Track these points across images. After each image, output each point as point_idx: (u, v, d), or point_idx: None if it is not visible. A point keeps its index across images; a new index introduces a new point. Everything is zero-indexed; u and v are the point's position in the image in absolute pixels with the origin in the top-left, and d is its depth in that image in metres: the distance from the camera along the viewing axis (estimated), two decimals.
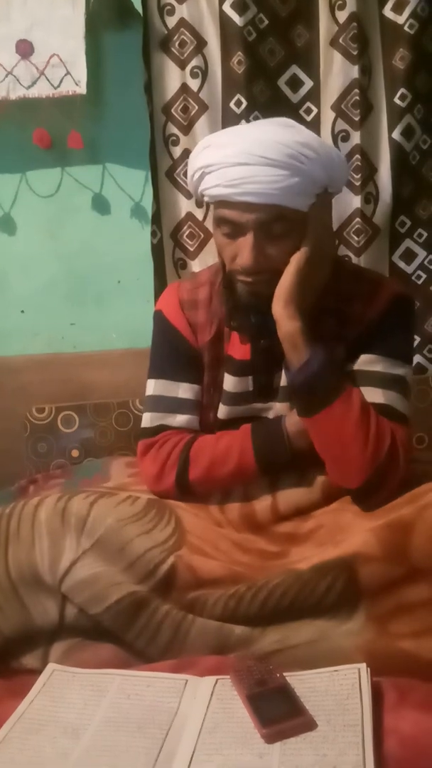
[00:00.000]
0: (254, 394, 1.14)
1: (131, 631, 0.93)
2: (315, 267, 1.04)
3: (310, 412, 1.03)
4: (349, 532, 0.99)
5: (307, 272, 1.03)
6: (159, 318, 1.20)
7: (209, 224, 1.57)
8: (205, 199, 1.08)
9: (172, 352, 1.18)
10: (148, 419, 1.17)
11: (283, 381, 1.12)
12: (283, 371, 1.11)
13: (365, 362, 1.09)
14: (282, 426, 1.09)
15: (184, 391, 1.16)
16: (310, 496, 1.09)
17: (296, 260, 1.03)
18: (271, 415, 1.14)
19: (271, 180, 0.97)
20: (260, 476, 1.10)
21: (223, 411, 1.16)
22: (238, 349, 1.14)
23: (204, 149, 1.04)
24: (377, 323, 1.09)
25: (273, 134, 1.00)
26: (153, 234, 1.60)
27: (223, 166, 0.99)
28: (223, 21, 1.51)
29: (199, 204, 1.57)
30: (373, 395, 1.05)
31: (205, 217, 1.59)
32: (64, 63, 1.52)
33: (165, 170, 1.59)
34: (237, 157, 0.98)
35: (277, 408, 1.14)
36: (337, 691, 0.80)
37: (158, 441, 1.14)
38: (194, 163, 1.05)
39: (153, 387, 1.18)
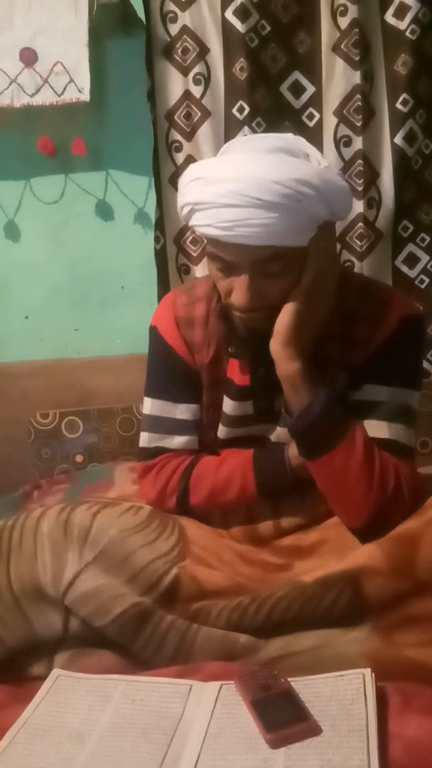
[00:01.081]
0: (255, 417, 1.10)
1: (137, 642, 0.92)
2: (316, 303, 0.97)
3: (311, 456, 0.99)
4: (354, 546, 0.97)
5: (308, 310, 0.97)
6: (154, 335, 1.14)
7: None
8: (197, 232, 1.01)
9: (168, 372, 1.13)
10: (145, 440, 1.14)
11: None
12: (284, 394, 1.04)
13: (371, 393, 1.02)
14: (285, 456, 1.05)
15: (182, 412, 1.12)
16: (314, 512, 1.07)
17: (296, 298, 0.96)
18: (271, 436, 1.11)
19: (266, 223, 0.89)
20: (261, 502, 1.08)
21: (223, 431, 1.12)
22: (237, 373, 1.09)
23: (193, 181, 0.95)
24: (385, 348, 1.02)
25: (268, 171, 0.90)
26: (156, 240, 1.61)
27: (214, 206, 0.91)
28: (226, 28, 1.52)
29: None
30: (378, 430, 1.00)
31: None
32: (67, 70, 1.53)
33: (168, 176, 1.59)
34: (229, 198, 0.89)
35: (278, 432, 1.09)
36: (341, 696, 0.80)
37: (157, 465, 1.11)
38: (183, 197, 0.97)
39: (150, 407, 1.14)
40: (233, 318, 1.02)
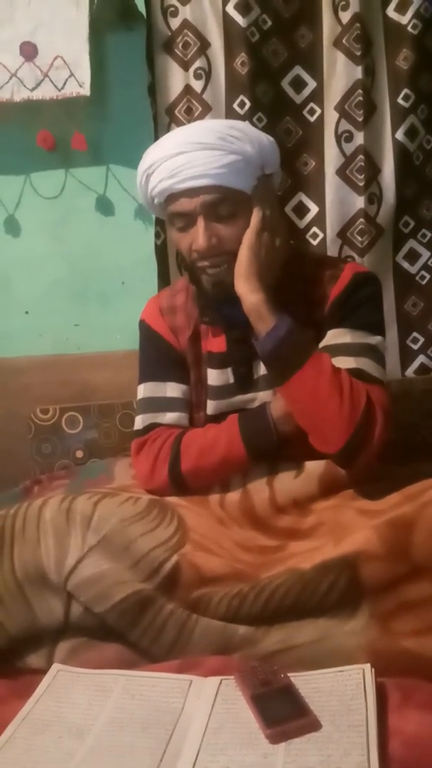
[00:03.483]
0: (236, 385, 1.18)
1: (136, 629, 0.93)
2: (267, 242, 1.10)
3: (282, 378, 1.05)
4: (351, 530, 0.99)
5: (260, 247, 1.09)
6: (143, 327, 1.27)
7: None
8: (156, 201, 1.14)
9: (157, 356, 1.24)
10: (140, 421, 1.22)
11: (262, 370, 1.16)
12: (261, 362, 1.14)
13: (334, 336, 1.12)
14: (266, 411, 1.12)
15: (172, 390, 1.22)
16: (308, 488, 1.10)
17: (247, 237, 1.09)
18: (255, 405, 1.17)
19: (208, 161, 1.05)
20: (250, 462, 1.12)
21: (211, 406, 1.20)
22: (214, 343, 1.20)
23: (146, 155, 1.12)
24: (342, 300, 1.13)
25: (203, 123, 1.13)
26: (157, 235, 1.61)
27: (164, 159, 1.07)
28: (227, 22, 1.51)
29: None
30: (344, 363, 1.07)
31: None
32: (67, 65, 1.52)
33: None
34: (174, 149, 1.07)
35: (260, 397, 1.17)
36: (341, 691, 0.80)
37: (150, 438, 1.18)
38: (139, 170, 1.13)
39: (143, 391, 1.24)
40: (202, 280, 1.13)
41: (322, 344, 1.11)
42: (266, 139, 1.13)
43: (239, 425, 1.12)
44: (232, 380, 1.18)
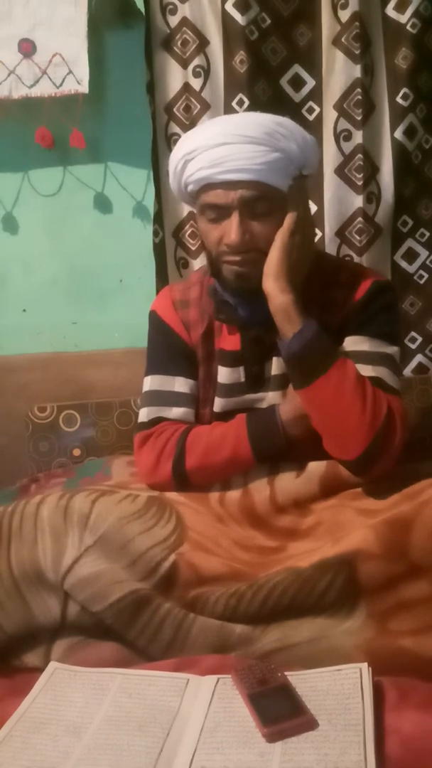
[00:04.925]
0: (246, 384, 1.17)
1: (133, 629, 0.93)
2: (298, 243, 1.08)
3: (306, 381, 1.04)
4: (349, 529, 0.99)
5: (293, 247, 1.07)
6: (153, 318, 1.25)
7: None
8: (189, 188, 1.11)
9: (166, 349, 1.22)
10: (144, 414, 1.20)
11: (274, 370, 1.15)
12: (273, 361, 1.14)
13: (352, 343, 1.11)
14: (276, 413, 1.11)
15: (180, 385, 1.20)
16: (308, 488, 1.09)
17: (280, 236, 1.07)
18: (264, 405, 1.16)
19: (252, 156, 1.02)
20: (256, 464, 1.11)
21: (218, 404, 1.18)
22: (228, 340, 1.18)
23: (185, 139, 1.09)
24: (360, 308, 1.13)
25: (250, 116, 1.08)
26: (155, 233, 1.60)
27: (206, 148, 1.04)
28: (226, 20, 1.51)
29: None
30: (363, 371, 1.06)
31: None
32: (66, 62, 1.52)
33: (167, 169, 1.58)
34: (218, 138, 1.04)
35: (269, 398, 1.16)
36: (338, 690, 0.80)
37: (155, 432, 1.16)
38: (176, 154, 1.10)
39: (149, 383, 1.21)
40: (224, 273, 1.11)
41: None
42: (311, 139, 1.11)
43: (247, 426, 1.11)
44: (243, 379, 1.17)
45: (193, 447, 1.11)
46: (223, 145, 1.03)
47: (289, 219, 1.07)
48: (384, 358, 1.10)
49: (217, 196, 1.06)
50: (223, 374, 1.18)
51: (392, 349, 1.12)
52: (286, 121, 1.09)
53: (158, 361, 1.22)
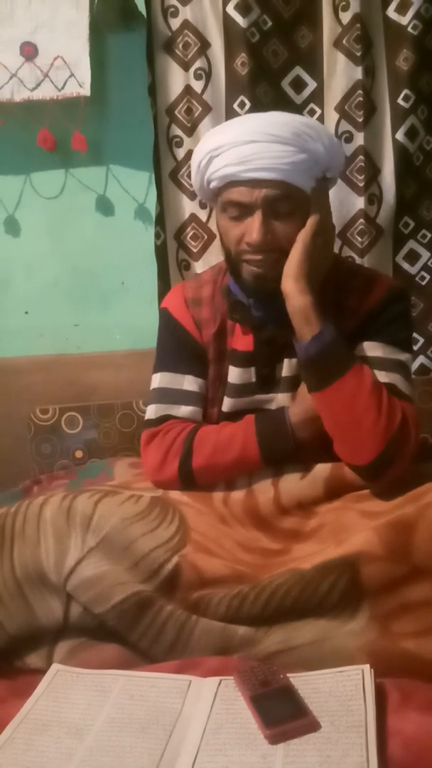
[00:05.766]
0: (257, 385, 1.16)
1: (135, 630, 0.93)
2: (320, 245, 1.08)
3: (322, 384, 1.03)
4: (352, 531, 0.99)
5: (314, 249, 1.06)
6: (165, 315, 1.23)
7: (213, 225, 1.58)
8: (212, 185, 1.09)
9: (177, 347, 1.21)
10: (152, 411, 1.18)
11: (285, 371, 1.15)
12: (284, 363, 1.14)
13: (366, 349, 1.11)
14: (285, 415, 1.10)
15: (189, 383, 1.19)
16: (313, 491, 1.09)
17: (303, 236, 1.06)
18: (273, 406, 1.16)
19: (279, 156, 1.02)
20: (263, 465, 1.10)
21: (227, 404, 1.18)
22: (241, 341, 1.17)
23: (212, 135, 1.09)
24: (375, 314, 1.12)
25: (278, 115, 1.08)
26: (157, 235, 1.61)
27: (233, 145, 1.03)
28: (227, 22, 1.51)
29: (202, 205, 1.58)
30: (378, 377, 1.06)
31: (208, 219, 1.59)
32: (68, 65, 1.52)
33: (169, 172, 1.59)
34: (246, 136, 1.03)
35: (279, 399, 1.15)
36: (340, 692, 0.80)
37: (162, 430, 1.15)
38: (202, 149, 1.09)
39: (158, 380, 1.20)
40: (243, 272, 1.10)
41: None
42: (336, 141, 1.11)
43: (256, 427, 1.10)
44: (253, 379, 1.17)
45: (200, 446, 1.11)
46: (252, 143, 1.02)
47: (312, 221, 1.07)
48: (397, 364, 1.10)
49: (241, 194, 1.05)
50: (234, 374, 1.17)
51: (405, 356, 1.12)
52: (313, 122, 1.10)
53: (168, 359, 1.21)
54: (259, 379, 1.16)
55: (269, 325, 1.12)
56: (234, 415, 1.16)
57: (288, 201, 1.05)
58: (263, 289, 1.09)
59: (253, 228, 1.05)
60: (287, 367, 1.14)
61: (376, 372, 1.06)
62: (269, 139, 1.02)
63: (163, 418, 1.17)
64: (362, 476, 1.05)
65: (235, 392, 1.17)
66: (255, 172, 1.03)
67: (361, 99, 1.52)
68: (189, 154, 1.55)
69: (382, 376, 1.07)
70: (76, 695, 0.86)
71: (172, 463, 1.12)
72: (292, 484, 1.10)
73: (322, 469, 1.09)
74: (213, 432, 1.12)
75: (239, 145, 1.03)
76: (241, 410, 1.16)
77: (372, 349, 1.10)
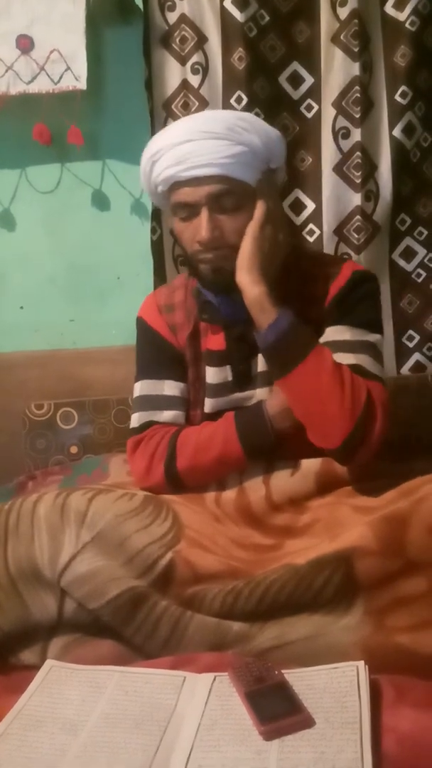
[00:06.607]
0: (234, 383, 1.18)
1: (130, 626, 0.93)
2: (270, 235, 1.09)
3: (284, 371, 1.05)
4: (346, 526, 0.99)
5: (263, 239, 1.08)
6: (140, 324, 1.27)
7: None
8: (159, 189, 1.12)
9: (154, 354, 1.23)
10: (136, 419, 1.21)
11: (261, 367, 1.16)
12: (259, 358, 1.15)
13: (333, 333, 1.12)
14: (263, 408, 1.12)
15: (169, 388, 1.21)
16: (304, 486, 1.10)
17: (250, 229, 1.08)
18: (252, 402, 1.17)
19: (215, 151, 1.04)
20: (246, 460, 1.11)
21: (208, 404, 1.19)
22: (213, 340, 1.19)
23: (152, 141, 1.12)
24: (341, 297, 1.13)
25: (211, 113, 1.13)
26: (153, 230, 1.60)
27: (170, 147, 1.06)
28: (224, 17, 1.51)
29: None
30: (344, 359, 1.07)
31: None
32: (64, 58, 1.52)
33: None
34: (181, 136, 1.06)
35: (258, 395, 1.17)
36: (335, 688, 0.80)
37: (146, 436, 1.18)
38: (144, 157, 1.12)
39: (139, 388, 1.23)
40: (201, 270, 1.12)
41: (320, 341, 1.11)
42: (274, 132, 1.13)
43: (235, 423, 1.12)
44: (230, 378, 1.18)
45: (183, 448, 1.12)
46: (187, 142, 1.05)
47: (258, 211, 1.09)
48: (365, 345, 1.11)
49: (186, 194, 1.07)
50: (211, 374, 1.19)
51: (374, 337, 1.13)
52: (247, 116, 1.12)
53: (147, 366, 1.24)
54: (235, 376, 1.18)
55: (238, 322, 1.14)
56: (216, 416, 1.17)
57: (233, 196, 1.07)
58: (223, 284, 1.11)
59: (200, 226, 1.07)
60: (262, 363, 1.15)
61: (344, 354, 1.08)
62: (203, 136, 1.05)
63: (147, 425, 1.19)
64: (336, 459, 1.07)
65: (215, 392, 1.19)
66: (194, 170, 1.05)
67: (358, 95, 1.52)
68: None
69: (349, 358, 1.08)
70: (70, 691, 0.86)
71: (157, 468, 1.13)
72: (283, 481, 1.10)
73: (312, 464, 1.10)
74: (194, 433, 1.14)
75: (176, 146, 1.06)
76: (223, 410, 1.17)
77: (339, 333, 1.11)
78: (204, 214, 1.07)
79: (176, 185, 1.09)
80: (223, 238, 1.08)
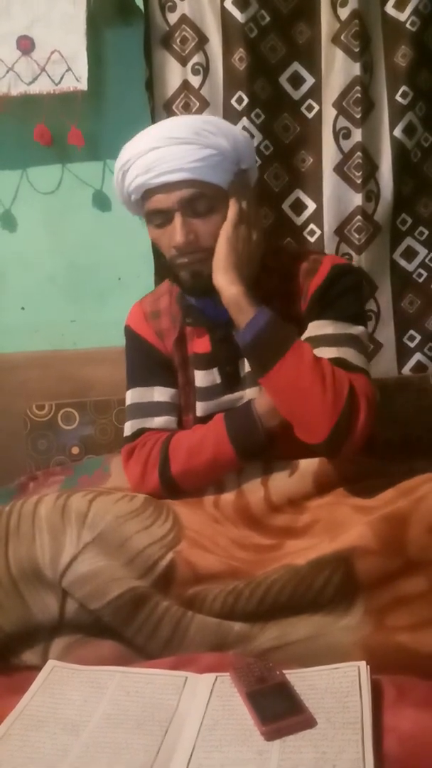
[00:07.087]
0: (223, 385, 1.19)
1: (131, 626, 0.93)
2: (244, 235, 1.10)
3: (264, 368, 1.05)
4: (346, 526, 0.99)
5: (237, 240, 1.09)
6: (128, 332, 1.28)
7: None
8: (132, 198, 1.13)
9: (143, 361, 1.24)
10: (128, 427, 1.22)
11: (248, 368, 1.15)
12: (246, 360, 1.15)
13: (315, 328, 1.12)
14: (251, 408, 1.12)
15: (160, 394, 1.22)
16: (302, 486, 1.09)
17: (224, 230, 1.09)
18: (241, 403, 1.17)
19: (182, 156, 1.05)
20: (239, 461, 1.11)
21: (200, 408, 1.20)
22: (199, 344, 1.20)
23: (122, 151, 1.12)
24: (322, 291, 1.13)
25: (177, 119, 1.13)
26: None
27: (139, 156, 1.07)
28: (225, 17, 1.51)
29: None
30: (327, 353, 1.07)
31: None
32: (65, 59, 1.52)
33: None
34: (149, 144, 1.07)
35: (247, 396, 1.17)
36: (336, 688, 0.80)
37: (139, 443, 1.18)
38: (115, 166, 1.13)
39: (130, 396, 1.24)
40: (180, 276, 1.13)
41: (303, 336, 1.11)
42: (240, 134, 1.14)
43: (225, 424, 1.11)
44: (218, 380, 1.19)
45: (176, 452, 1.12)
46: (154, 149, 1.06)
47: (231, 211, 1.09)
48: (348, 338, 1.10)
49: (159, 201, 1.08)
50: (200, 377, 1.19)
51: (357, 330, 1.12)
52: (213, 119, 1.14)
53: (136, 374, 1.24)
54: (224, 378, 1.18)
55: (221, 324, 1.14)
56: (208, 419, 1.17)
57: (205, 199, 1.08)
58: (203, 287, 1.11)
59: (175, 231, 1.08)
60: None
61: (328, 348, 1.08)
62: (170, 142, 1.06)
63: (139, 432, 1.19)
64: (323, 454, 1.06)
65: (204, 395, 1.19)
66: (164, 176, 1.06)
67: (359, 95, 1.52)
68: None
69: (332, 352, 1.07)
70: (71, 691, 0.86)
71: (152, 474, 1.13)
72: (282, 482, 1.10)
73: (309, 464, 1.10)
74: (185, 437, 1.15)
75: (144, 155, 1.07)
76: (214, 413, 1.17)
77: (321, 327, 1.11)
78: (177, 219, 1.08)
79: (148, 193, 1.09)
80: (198, 242, 1.09)
